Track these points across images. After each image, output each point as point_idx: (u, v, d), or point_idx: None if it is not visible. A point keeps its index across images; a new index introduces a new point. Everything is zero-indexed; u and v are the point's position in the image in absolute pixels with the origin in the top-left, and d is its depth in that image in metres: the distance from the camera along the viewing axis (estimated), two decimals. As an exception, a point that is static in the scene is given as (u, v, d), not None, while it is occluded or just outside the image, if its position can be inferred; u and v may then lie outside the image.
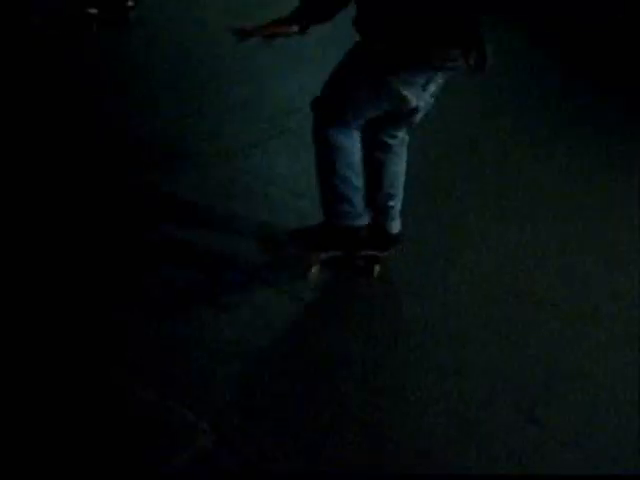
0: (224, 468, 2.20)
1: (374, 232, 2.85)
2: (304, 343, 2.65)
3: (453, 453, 2.28)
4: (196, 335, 2.60)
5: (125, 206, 3.17)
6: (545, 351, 2.65)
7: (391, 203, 2.84)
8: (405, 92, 2.50)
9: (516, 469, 2.23)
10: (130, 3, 4.66)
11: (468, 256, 3.09)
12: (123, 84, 4.09)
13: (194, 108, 3.89)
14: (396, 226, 2.89)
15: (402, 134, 2.77)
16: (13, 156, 3.34)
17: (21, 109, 3.72)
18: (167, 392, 2.39)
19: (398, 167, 2.82)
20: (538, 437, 2.34)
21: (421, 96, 2.53)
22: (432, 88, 2.54)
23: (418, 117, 2.65)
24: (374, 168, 2.79)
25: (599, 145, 4.05)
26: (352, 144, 2.66)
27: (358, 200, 2.74)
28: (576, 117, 4.27)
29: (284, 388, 2.45)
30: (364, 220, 2.79)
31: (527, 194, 3.51)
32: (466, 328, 2.73)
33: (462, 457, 2.27)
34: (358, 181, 2.71)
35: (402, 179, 2.85)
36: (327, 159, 2.68)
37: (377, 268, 2.92)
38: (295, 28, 2.48)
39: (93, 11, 4.55)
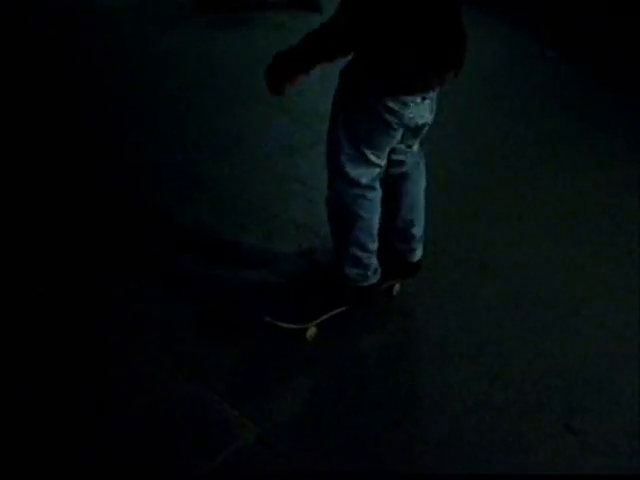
0: (268, 465, 2.19)
1: (394, 261, 2.74)
2: (335, 344, 2.63)
3: (490, 462, 2.28)
4: (240, 333, 2.60)
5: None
6: (574, 358, 2.67)
7: (413, 231, 2.70)
8: (404, 112, 2.33)
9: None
10: None
11: (494, 263, 3.09)
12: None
13: (236, 111, 3.89)
14: (418, 254, 2.77)
15: (415, 146, 2.62)
16: (21, 158, 3.30)
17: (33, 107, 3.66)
18: (212, 388, 2.38)
19: (415, 187, 2.67)
20: (575, 446, 2.36)
21: (422, 111, 2.38)
22: (428, 101, 2.39)
23: (427, 127, 2.50)
24: (391, 191, 2.64)
25: (616, 149, 3.98)
26: (370, 208, 2.50)
27: (373, 262, 2.62)
28: (593, 120, 4.21)
29: (329, 387, 2.45)
30: (375, 279, 2.66)
31: (546, 201, 3.50)
32: (495, 336, 2.73)
33: (500, 465, 2.27)
34: (374, 245, 2.59)
35: (422, 203, 2.70)
36: (345, 227, 2.54)
37: (397, 287, 2.84)
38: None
39: None
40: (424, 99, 2.34)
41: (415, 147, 2.60)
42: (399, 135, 2.41)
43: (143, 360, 2.45)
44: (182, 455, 2.17)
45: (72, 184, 3.21)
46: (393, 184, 2.63)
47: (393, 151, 2.53)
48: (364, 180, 2.44)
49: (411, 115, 2.33)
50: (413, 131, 2.44)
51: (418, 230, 2.72)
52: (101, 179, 3.26)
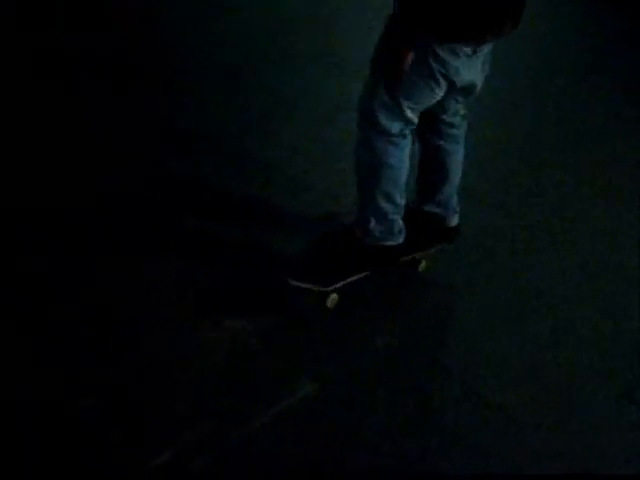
0: (327, 416, 2.22)
1: (433, 227, 2.71)
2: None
3: (555, 439, 2.27)
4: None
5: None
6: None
7: (453, 195, 2.69)
8: (453, 62, 2.22)
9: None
10: None
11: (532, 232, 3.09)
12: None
13: (303, 70, 3.89)
14: (456, 218, 2.74)
15: (465, 111, 2.53)
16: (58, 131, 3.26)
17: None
18: (272, 341, 2.41)
19: (460, 155, 2.65)
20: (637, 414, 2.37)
21: (472, 66, 2.28)
22: (480, 58, 2.30)
23: (478, 90, 2.42)
24: (438, 160, 2.62)
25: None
26: (402, 157, 2.42)
27: (397, 220, 2.54)
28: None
29: (386, 343, 2.47)
30: (401, 238, 2.57)
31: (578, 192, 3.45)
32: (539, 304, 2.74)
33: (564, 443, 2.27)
34: (401, 200, 2.51)
35: (461, 168, 2.69)
36: (372, 176, 2.45)
37: (423, 263, 2.79)
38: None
39: None
40: (475, 52, 2.23)
41: (463, 112, 2.53)
42: (441, 92, 2.30)
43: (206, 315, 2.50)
44: (243, 403, 2.20)
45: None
46: (440, 149, 2.58)
47: (443, 112, 2.48)
48: (394, 129, 2.35)
49: (458, 68, 2.22)
50: (460, 92, 2.35)
51: (455, 194, 2.70)
52: (145, 141, 3.28)
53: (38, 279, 2.52)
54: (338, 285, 2.51)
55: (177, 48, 3.96)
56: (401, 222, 2.55)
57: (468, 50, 2.21)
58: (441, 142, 2.57)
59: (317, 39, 4.18)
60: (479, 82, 2.36)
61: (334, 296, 2.53)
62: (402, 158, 2.42)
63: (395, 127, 2.35)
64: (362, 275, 2.56)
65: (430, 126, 2.52)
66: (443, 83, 2.27)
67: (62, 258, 2.61)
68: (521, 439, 2.26)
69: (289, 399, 2.23)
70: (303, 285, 2.48)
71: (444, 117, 2.51)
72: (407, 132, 2.40)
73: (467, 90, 2.37)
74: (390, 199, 2.46)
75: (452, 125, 2.54)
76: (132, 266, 2.62)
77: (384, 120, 2.33)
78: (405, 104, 2.30)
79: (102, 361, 2.28)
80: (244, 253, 2.75)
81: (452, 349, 2.54)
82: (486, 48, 2.29)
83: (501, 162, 3.49)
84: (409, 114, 2.33)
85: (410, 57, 2.20)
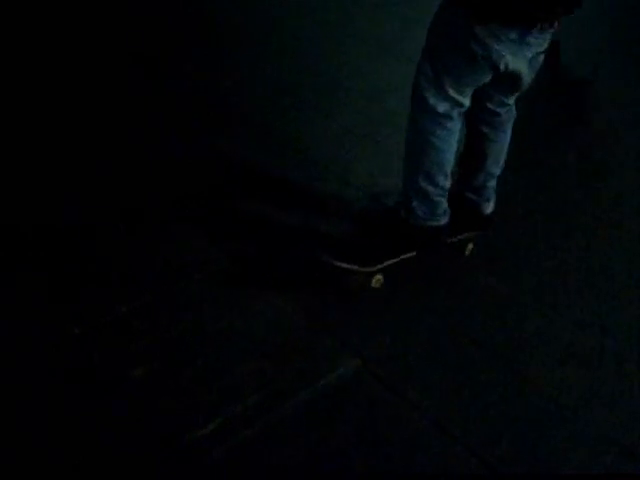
0: (368, 393, 2.25)
1: (467, 213, 2.71)
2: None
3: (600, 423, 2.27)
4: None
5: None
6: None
7: (490, 183, 2.67)
8: (495, 45, 2.19)
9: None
10: None
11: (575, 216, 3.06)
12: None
13: (346, 50, 3.91)
14: (491, 206, 2.73)
15: (511, 102, 2.52)
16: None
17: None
18: (314, 318, 2.46)
19: (504, 143, 2.63)
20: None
21: (517, 54, 2.24)
22: (529, 49, 2.25)
23: (525, 82, 2.39)
24: (479, 145, 2.59)
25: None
26: (448, 139, 2.41)
27: (442, 202, 2.54)
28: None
29: (429, 323, 2.49)
30: (445, 219, 2.57)
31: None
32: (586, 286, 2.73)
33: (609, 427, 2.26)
34: (446, 182, 2.50)
35: (504, 157, 2.68)
36: (416, 155, 2.46)
37: (470, 246, 2.79)
38: None
39: None
40: (522, 40, 2.19)
41: (511, 101, 2.52)
42: (484, 76, 2.29)
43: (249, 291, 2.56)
44: (284, 380, 2.25)
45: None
46: (482, 135, 2.58)
47: (488, 100, 2.47)
48: (440, 108, 2.35)
49: (501, 51, 2.19)
50: (506, 80, 2.33)
51: (494, 182, 2.69)
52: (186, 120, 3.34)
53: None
54: (383, 266, 2.53)
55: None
56: (445, 204, 2.54)
57: (513, 35, 2.18)
58: (484, 129, 2.57)
59: (364, 21, 4.18)
60: (525, 75, 2.33)
61: (379, 276, 2.55)
62: (448, 140, 2.41)
63: (441, 107, 2.35)
64: (407, 256, 2.57)
65: (476, 112, 2.51)
66: (485, 66, 2.26)
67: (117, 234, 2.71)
68: (565, 422, 2.26)
69: (329, 375, 2.27)
70: (348, 266, 2.49)
71: (489, 105, 2.51)
72: (454, 114, 2.39)
73: (513, 80, 2.34)
74: (432, 180, 2.46)
75: (496, 114, 2.53)
76: (182, 242, 2.70)
77: (431, 98, 2.34)
78: (447, 81, 2.31)
79: (151, 330, 2.37)
80: (290, 232, 2.80)
81: (494, 332, 2.53)
82: (535, 39, 2.22)
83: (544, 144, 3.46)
84: (452, 94, 2.33)
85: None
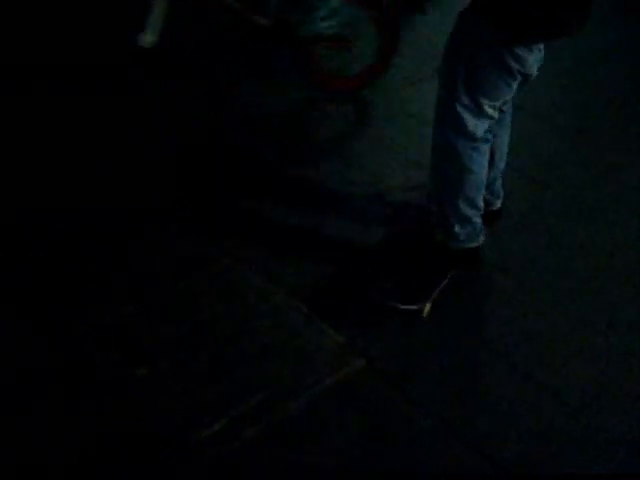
0: (372, 393, 2.23)
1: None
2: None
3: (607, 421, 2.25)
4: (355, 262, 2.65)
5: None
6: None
7: (498, 179, 2.70)
8: (529, 58, 2.24)
9: None
10: None
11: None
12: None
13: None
14: (498, 203, 2.76)
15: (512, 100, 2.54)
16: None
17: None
18: (318, 317, 2.44)
19: (506, 139, 2.65)
20: None
21: (537, 59, 2.30)
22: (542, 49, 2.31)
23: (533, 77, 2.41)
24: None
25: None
26: (483, 163, 2.41)
27: (479, 221, 2.53)
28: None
29: (435, 321, 2.48)
30: (482, 239, 2.58)
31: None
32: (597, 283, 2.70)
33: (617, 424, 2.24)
34: (481, 201, 2.50)
35: (506, 154, 2.69)
36: (454, 182, 2.42)
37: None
38: None
39: None
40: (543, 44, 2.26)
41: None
42: (516, 86, 2.31)
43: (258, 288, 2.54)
44: (291, 378, 2.24)
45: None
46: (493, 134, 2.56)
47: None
48: (479, 132, 2.34)
49: (530, 60, 2.24)
50: (525, 81, 2.34)
51: (501, 178, 2.71)
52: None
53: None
54: (433, 297, 2.50)
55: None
56: (481, 222, 2.54)
57: (540, 45, 2.24)
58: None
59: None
60: (535, 72, 2.36)
61: (429, 306, 2.50)
62: (484, 163, 2.42)
63: (480, 130, 2.35)
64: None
65: None
66: (519, 78, 2.28)
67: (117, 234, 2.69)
68: (570, 420, 2.24)
69: (333, 374, 2.26)
70: (404, 307, 2.46)
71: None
72: (490, 136, 2.40)
73: (526, 79, 2.35)
74: (473, 204, 2.46)
75: (502, 110, 2.50)
76: (181, 242, 2.69)
77: (470, 123, 2.31)
78: (485, 103, 2.29)
79: (151, 330, 2.35)
80: (291, 231, 2.79)
81: (499, 328, 2.51)
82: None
83: (551, 139, 3.45)
84: (491, 112, 2.34)
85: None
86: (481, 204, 2.49)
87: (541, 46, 2.27)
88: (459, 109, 2.30)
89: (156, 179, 2.95)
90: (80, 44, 3.55)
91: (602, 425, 2.21)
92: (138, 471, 1.97)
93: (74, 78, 3.41)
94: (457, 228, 2.49)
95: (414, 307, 2.47)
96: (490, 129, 2.39)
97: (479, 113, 2.31)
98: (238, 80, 3.60)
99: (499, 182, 2.72)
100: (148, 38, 3.18)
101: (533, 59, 2.26)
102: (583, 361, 2.40)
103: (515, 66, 2.22)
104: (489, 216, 2.69)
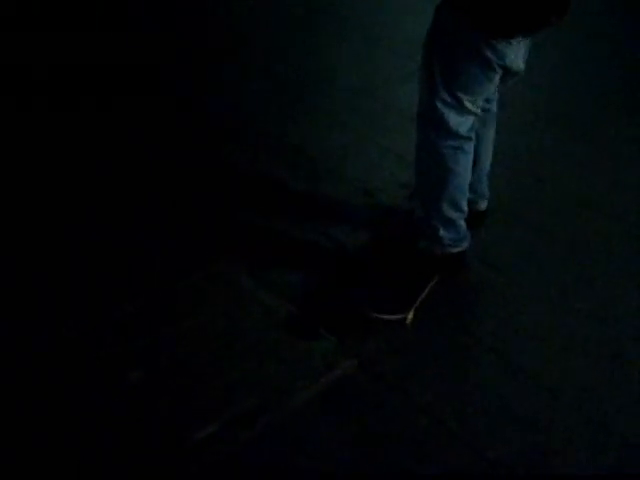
0: (367, 392, 2.25)
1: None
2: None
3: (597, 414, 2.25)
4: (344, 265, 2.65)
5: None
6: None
7: (484, 179, 2.65)
8: (508, 51, 2.19)
9: None
10: None
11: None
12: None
13: (333, 43, 3.92)
14: (485, 204, 2.72)
15: (496, 97, 2.51)
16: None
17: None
18: (312, 318, 2.46)
19: (490, 139, 2.59)
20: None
21: (519, 50, 2.24)
22: (527, 42, 2.27)
23: (520, 74, 2.37)
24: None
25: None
26: (467, 164, 2.37)
27: (464, 225, 2.50)
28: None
29: (424, 320, 2.48)
30: (467, 243, 2.54)
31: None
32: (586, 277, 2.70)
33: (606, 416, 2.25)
34: (465, 204, 2.46)
35: (491, 154, 2.63)
36: (437, 184, 2.38)
37: None
38: None
39: None
40: (525, 37, 2.19)
41: (497, 94, 2.50)
42: (497, 80, 2.26)
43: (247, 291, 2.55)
44: (281, 380, 2.25)
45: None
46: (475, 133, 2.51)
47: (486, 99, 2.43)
48: (462, 130, 2.30)
49: (511, 54, 2.18)
50: (507, 77, 2.30)
51: (487, 178, 2.67)
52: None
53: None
54: (417, 304, 2.48)
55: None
56: (465, 226, 2.51)
57: (520, 38, 2.18)
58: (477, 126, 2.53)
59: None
60: (523, 65, 2.32)
61: (412, 314, 2.48)
62: (467, 165, 2.39)
63: (463, 128, 2.31)
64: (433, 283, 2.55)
65: None
66: (500, 71, 2.23)
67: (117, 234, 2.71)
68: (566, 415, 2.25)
69: (327, 375, 2.27)
70: (386, 317, 2.43)
71: (484, 104, 2.46)
72: (473, 135, 2.36)
73: (511, 76, 2.32)
74: (457, 206, 2.43)
75: (487, 110, 2.48)
76: (181, 242, 2.71)
77: (451, 121, 2.28)
78: (464, 98, 2.25)
79: (151, 330, 2.37)
80: (288, 231, 2.80)
81: (491, 325, 2.52)
82: (529, 37, 2.25)
83: (544, 133, 3.44)
84: (472, 108, 2.29)
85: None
86: (465, 207, 2.46)
87: (523, 39, 2.21)
88: (439, 105, 2.26)
89: (156, 179, 2.97)
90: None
91: (602, 422, 2.22)
92: (133, 473, 2.00)
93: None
94: (441, 231, 2.45)
95: (397, 317, 2.45)
96: (473, 127, 2.35)
97: (460, 109, 2.27)
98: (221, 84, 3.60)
99: (485, 182, 2.68)
100: None
101: (514, 53, 2.20)
102: (579, 357, 2.40)
103: (493, 58, 2.17)
104: (474, 217, 2.65)
